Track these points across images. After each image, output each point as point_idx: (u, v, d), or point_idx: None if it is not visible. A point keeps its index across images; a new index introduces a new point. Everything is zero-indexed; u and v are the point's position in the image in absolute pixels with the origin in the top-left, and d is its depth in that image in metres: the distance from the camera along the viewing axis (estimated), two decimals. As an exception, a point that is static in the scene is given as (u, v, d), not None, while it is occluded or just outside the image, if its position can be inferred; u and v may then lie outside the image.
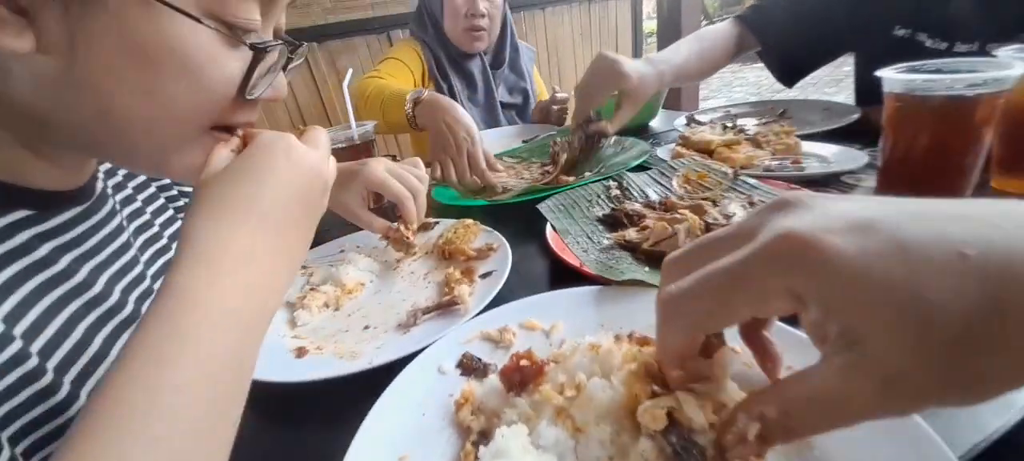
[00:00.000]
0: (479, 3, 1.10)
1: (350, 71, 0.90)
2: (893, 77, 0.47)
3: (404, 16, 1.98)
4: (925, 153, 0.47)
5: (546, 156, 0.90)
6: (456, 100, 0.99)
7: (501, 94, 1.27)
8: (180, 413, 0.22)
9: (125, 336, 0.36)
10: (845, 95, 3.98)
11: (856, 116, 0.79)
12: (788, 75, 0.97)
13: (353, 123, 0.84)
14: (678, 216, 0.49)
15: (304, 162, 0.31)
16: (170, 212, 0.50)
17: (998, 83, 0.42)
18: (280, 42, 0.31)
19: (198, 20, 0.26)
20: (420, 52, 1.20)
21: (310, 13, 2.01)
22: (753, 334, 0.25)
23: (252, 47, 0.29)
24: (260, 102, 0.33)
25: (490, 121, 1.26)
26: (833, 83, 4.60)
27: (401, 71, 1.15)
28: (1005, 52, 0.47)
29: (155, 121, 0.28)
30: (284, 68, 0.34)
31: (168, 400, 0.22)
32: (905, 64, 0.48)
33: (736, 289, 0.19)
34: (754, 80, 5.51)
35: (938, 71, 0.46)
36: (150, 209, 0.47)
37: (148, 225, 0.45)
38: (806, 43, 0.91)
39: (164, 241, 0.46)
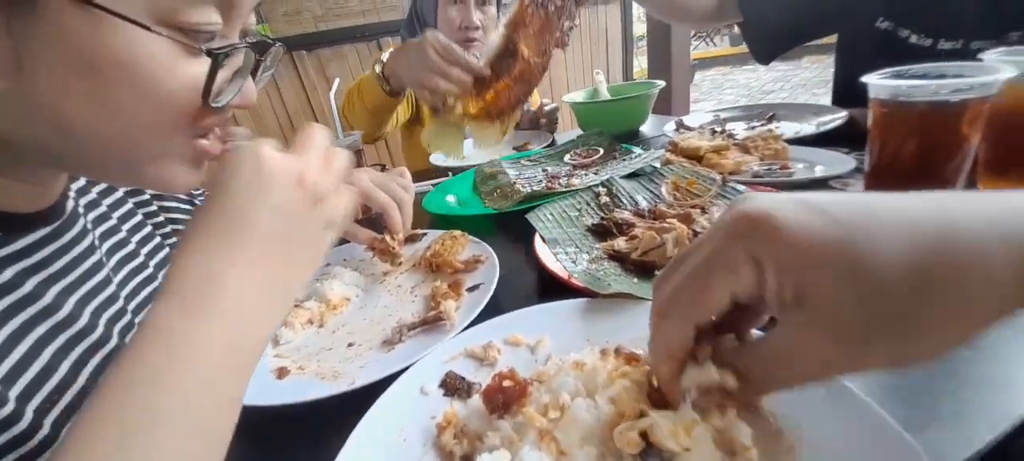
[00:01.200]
0: (473, 16, 1.10)
1: (338, 80, 0.89)
2: (878, 83, 0.47)
3: (394, 23, 1.97)
4: (911, 158, 0.47)
5: (555, 161, 0.89)
6: None
7: None
8: (157, 454, 0.21)
9: (94, 360, 0.35)
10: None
11: (843, 119, 0.79)
12: (766, 51, 0.97)
13: (340, 132, 0.83)
14: (667, 225, 0.49)
15: (278, 174, 0.28)
16: (148, 229, 0.48)
17: (984, 88, 0.42)
18: (243, 44, 0.30)
19: (148, 28, 0.25)
20: None
21: (300, 21, 2.00)
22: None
23: (209, 53, 0.27)
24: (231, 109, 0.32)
25: None
26: (822, 84, 4.64)
27: None
28: (990, 56, 0.47)
29: (116, 134, 0.27)
30: (254, 73, 0.32)
31: (142, 442, 0.21)
32: (890, 69, 0.48)
33: (711, 270, 0.21)
34: (744, 83, 5.55)
35: (924, 76, 0.46)
36: (126, 227, 0.45)
37: (124, 243, 0.44)
38: (789, 18, 0.89)
39: (141, 259, 0.45)
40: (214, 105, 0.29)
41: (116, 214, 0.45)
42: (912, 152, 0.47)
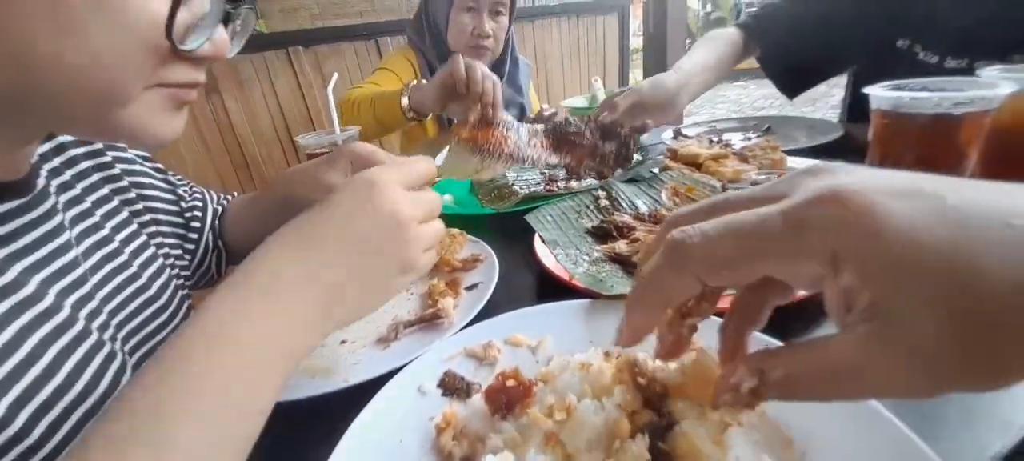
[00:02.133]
0: (485, 25, 1.10)
1: (335, 75, 0.88)
2: (880, 94, 0.47)
3: (393, 24, 1.96)
4: (911, 170, 0.47)
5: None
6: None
7: None
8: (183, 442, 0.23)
9: (60, 342, 0.33)
10: (823, 113, 4.09)
11: (839, 133, 0.80)
12: (790, 86, 0.97)
13: (337, 127, 0.82)
14: (669, 229, 0.48)
15: (384, 208, 0.31)
16: (125, 214, 0.46)
17: (985, 102, 0.43)
18: None
19: None
20: (414, 62, 1.18)
21: (297, 18, 1.98)
22: (736, 334, 0.23)
23: None
24: (205, 61, 0.32)
25: None
26: (810, 102, 4.74)
27: (392, 82, 1.13)
28: (989, 72, 0.48)
29: (82, 69, 0.26)
30: (226, 24, 0.32)
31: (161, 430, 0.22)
32: (892, 82, 0.48)
33: (771, 238, 0.17)
34: (735, 98, 5.65)
35: (924, 89, 0.46)
36: (100, 212, 0.43)
37: (97, 227, 0.42)
38: (808, 54, 0.90)
39: (115, 245, 0.43)
40: (181, 48, 0.28)
41: (90, 198, 0.43)
42: (912, 165, 0.47)
